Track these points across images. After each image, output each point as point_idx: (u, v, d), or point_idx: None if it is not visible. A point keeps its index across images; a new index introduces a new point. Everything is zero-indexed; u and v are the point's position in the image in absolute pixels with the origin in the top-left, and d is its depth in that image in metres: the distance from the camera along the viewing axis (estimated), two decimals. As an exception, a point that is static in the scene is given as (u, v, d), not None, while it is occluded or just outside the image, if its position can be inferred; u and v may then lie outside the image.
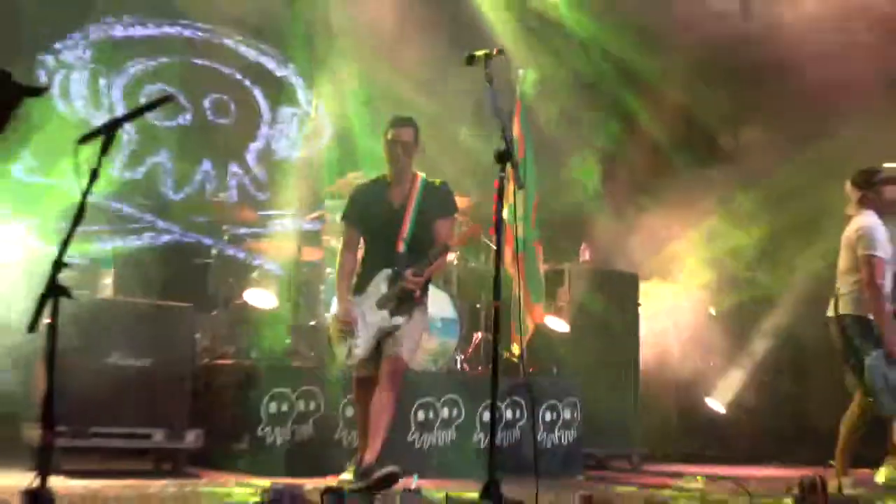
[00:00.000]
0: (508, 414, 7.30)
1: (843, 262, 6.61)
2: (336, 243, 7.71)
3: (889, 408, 6.37)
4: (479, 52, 4.81)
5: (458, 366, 7.75)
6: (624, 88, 10.18)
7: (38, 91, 3.69)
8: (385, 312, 5.44)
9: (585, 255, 8.66)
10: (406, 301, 5.48)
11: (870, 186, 6.64)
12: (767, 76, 9.66)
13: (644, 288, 9.01)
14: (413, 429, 7.01)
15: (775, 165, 9.28)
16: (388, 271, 5.50)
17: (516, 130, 7.54)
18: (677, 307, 8.92)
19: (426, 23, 9.38)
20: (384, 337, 5.47)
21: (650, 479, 7.60)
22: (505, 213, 5.00)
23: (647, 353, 8.81)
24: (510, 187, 5.21)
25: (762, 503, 5.73)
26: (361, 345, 5.45)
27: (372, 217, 5.64)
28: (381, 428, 5.38)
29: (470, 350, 7.92)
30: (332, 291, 7.59)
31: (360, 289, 5.56)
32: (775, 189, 9.12)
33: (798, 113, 9.03)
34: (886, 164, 6.83)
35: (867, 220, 6.56)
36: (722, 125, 9.92)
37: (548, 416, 7.62)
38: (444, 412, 7.16)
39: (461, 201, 6.68)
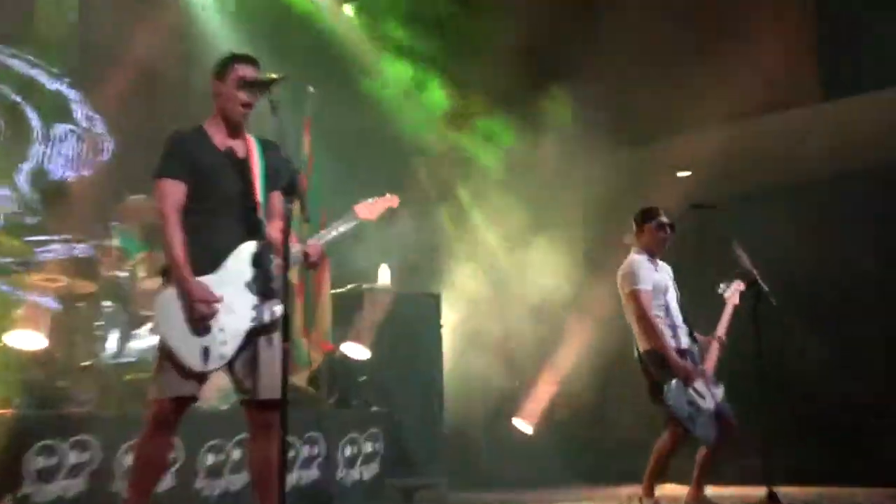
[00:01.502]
0: (305, 451, 6.35)
1: (623, 300, 6.10)
2: (117, 271, 6.73)
3: (700, 432, 5.92)
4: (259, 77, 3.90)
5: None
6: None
7: None
8: (257, 298, 3.83)
9: (385, 275, 7.83)
10: (277, 283, 3.90)
11: (642, 225, 6.28)
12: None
13: (449, 302, 8.31)
14: (201, 475, 5.91)
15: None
16: (251, 244, 3.87)
17: (307, 148, 6.64)
18: (480, 326, 8.39)
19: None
20: (252, 348, 3.82)
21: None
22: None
23: (452, 373, 8.01)
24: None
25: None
26: (230, 341, 3.76)
27: (208, 170, 3.90)
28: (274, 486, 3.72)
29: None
30: (109, 326, 6.57)
31: (210, 267, 3.83)
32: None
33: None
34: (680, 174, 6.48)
35: (631, 258, 6.18)
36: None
37: (347, 451, 6.69)
38: (236, 454, 6.05)
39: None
